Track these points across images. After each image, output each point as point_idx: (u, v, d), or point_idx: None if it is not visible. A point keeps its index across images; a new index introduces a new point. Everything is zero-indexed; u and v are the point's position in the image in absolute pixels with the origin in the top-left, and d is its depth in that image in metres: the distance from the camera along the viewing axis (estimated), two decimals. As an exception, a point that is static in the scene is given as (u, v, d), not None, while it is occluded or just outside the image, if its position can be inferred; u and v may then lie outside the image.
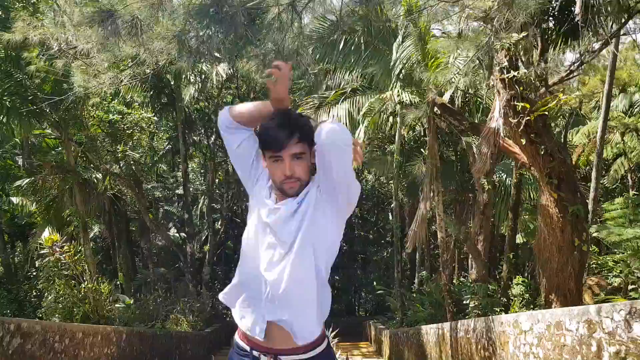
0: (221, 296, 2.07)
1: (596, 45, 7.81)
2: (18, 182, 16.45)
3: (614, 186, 17.59)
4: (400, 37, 10.36)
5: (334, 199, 1.90)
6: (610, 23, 7.50)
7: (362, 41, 11.44)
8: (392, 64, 10.49)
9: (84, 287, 11.22)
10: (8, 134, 15.81)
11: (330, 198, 1.90)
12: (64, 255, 10.98)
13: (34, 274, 17.44)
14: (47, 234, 11.70)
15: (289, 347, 1.90)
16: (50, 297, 11.40)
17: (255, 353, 1.93)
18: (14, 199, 17.01)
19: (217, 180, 24.60)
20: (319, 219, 1.90)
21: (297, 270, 1.86)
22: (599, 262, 12.38)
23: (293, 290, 1.86)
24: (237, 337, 2.04)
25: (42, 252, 11.38)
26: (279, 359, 1.91)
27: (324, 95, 12.70)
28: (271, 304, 1.88)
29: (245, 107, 2.06)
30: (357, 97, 12.56)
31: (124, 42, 6.15)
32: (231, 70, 18.08)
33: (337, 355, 8.67)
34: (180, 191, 24.97)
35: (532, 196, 13.97)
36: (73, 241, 12.90)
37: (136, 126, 17.64)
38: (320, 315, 1.93)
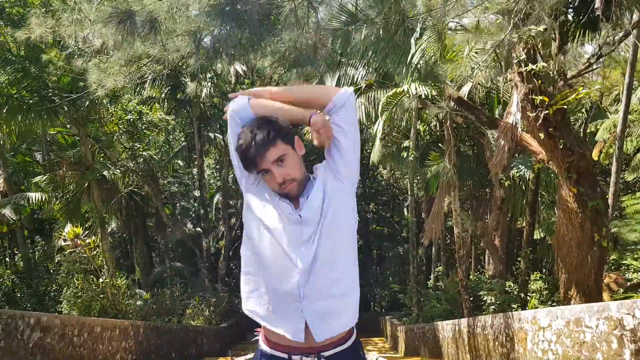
0: (248, 311, 1.97)
1: (616, 37, 7.66)
2: (37, 178, 16.68)
3: (634, 180, 17.30)
4: (418, 32, 10.27)
5: (350, 175, 1.96)
6: (631, 14, 7.35)
7: (378, 35, 11.35)
8: (409, 58, 10.41)
9: (102, 282, 11.35)
10: (27, 130, 16.01)
11: (345, 176, 1.95)
12: (85, 248, 11.12)
13: (54, 268, 17.70)
14: (68, 229, 11.86)
15: (329, 342, 1.88)
16: (69, 292, 11.56)
17: (295, 357, 1.88)
18: (33, 195, 17.26)
19: (232, 176, 24.69)
20: (338, 202, 1.92)
21: (326, 256, 1.87)
22: (618, 258, 12.20)
23: (324, 278, 1.85)
24: (266, 347, 1.95)
25: (64, 244, 11.52)
26: (322, 355, 1.87)
27: (339, 91, 12.64)
28: (305, 300, 1.84)
29: (276, 108, 1.92)
30: (372, 92, 12.48)
31: (142, 42, 6.19)
32: (245, 67, 18.10)
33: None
34: (196, 187, 25.14)
35: (550, 191, 13.79)
36: (93, 237, 13.05)
37: (154, 127, 17.84)
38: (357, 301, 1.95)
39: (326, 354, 1.88)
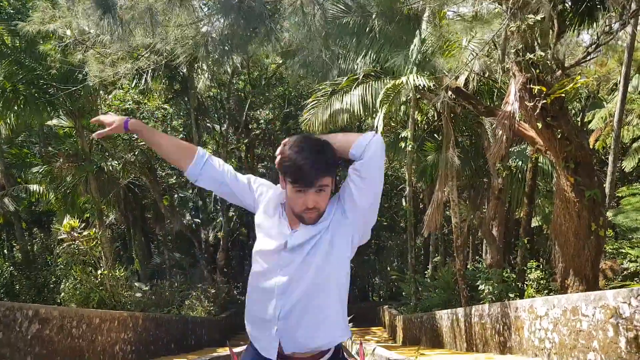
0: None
1: (614, 26, 7.64)
2: (35, 169, 16.65)
3: (631, 170, 17.33)
4: (421, 23, 10.24)
5: (358, 221, 1.94)
6: (629, 3, 7.32)
7: (376, 26, 11.30)
8: (410, 49, 10.36)
9: (101, 274, 11.37)
10: (24, 122, 15.96)
11: (355, 220, 1.93)
12: (82, 240, 11.13)
13: (52, 260, 17.70)
14: (67, 222, 11.85)
15: (299, 357, 1.92)
16: (68, 283, 11.58)
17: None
18: (32, 187, 17.23)
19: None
20: (340, 236, 1.92)
21: (313, 288, 1.88)
22: (614, 246, 12.25)
23: (306, 305, 1.88)
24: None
25: (61, 237, 11.53)
26: None
27: (336, 82, 12.58)
28: (283, 323, 1.88)
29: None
30: (370, 82, 12.40)
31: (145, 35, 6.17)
32: (241, 58, 18.01)
33: (351, 340, 8.69)
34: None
35: (548, 180, 13.81)
36: (94, 229, 13.04)
37: (152, 116, 17.78)
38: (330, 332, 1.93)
39: None
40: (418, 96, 12.31)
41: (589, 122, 16.62)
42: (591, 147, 14.60)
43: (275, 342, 1.89)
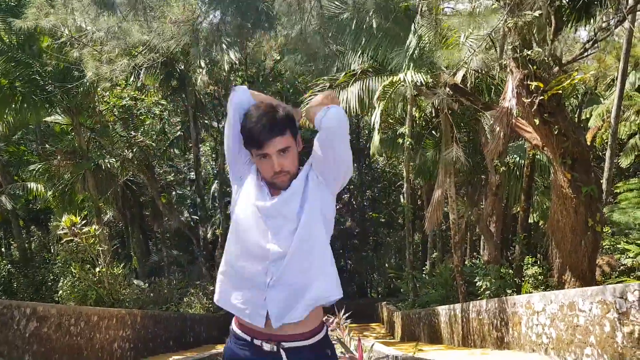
0: (217, 299, 2.00)
1: (611, 22, 7.64)
2: (32, 167, 16.62)
3: (628, 165, 17.37)
4: (417, 19, 10.23)
5: (330, 181, 1.92)
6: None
7: (373, 22, 11.27)
8: (406, 45, 10.35)
9: (99, 271, 11.35)
10: (21, 120, 15.91)
11: (327, 180, 1.92)
12: (82, 237, 11.09)
13: (51, 258, 17.70)
14: (65, 218, 11.82)
15: (291, 333, 1.88)
16: (66, 281, 11.57)
17: (257, 342, 1.89)
18: (30, 185, 17.21)
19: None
20: (317, 199, 1.90)
21: (300, 248, 1.86)
22: (611, 242, 12.28)
23: (294, 269, 1.85)
24: (235, 327, 1.98)
25: (60, 232, 11.49)
26: (281, 345, 1.87)
27: (334, 77, 12.54)
28: (271, 289, 1.86)
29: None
30: (368, 79, 12.39)
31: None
32: (240, 54, 17.98)
33: (349, 337, 8.72)
34: (192, 175, 25.10)
35: (545, 176, 13.83)
36: (94, 226, 13.02)
37: (149, 112, 17.76)
38: (316, 298, 1.89)
39: (286, 344, 1.88)
40: (415, 93, 12.28)
41: (587, 118, 16.65)
42: (588, 143, 14.63)
43: (264, 310, 1.86)
